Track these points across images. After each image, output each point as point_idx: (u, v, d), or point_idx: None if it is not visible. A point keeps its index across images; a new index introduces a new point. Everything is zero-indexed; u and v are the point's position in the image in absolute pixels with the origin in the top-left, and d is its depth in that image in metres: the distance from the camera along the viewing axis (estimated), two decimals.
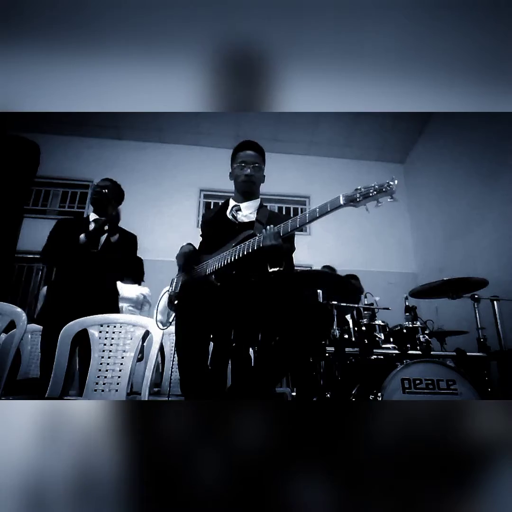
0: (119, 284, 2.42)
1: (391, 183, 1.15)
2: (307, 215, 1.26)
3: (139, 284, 3.38)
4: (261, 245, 1.31)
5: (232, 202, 1.67)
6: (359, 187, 1.20)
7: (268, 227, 1.34)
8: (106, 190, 2.26)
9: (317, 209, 1.24)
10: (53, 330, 1.79)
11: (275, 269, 1.34)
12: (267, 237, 1.30)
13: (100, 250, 2.17)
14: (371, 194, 1.17)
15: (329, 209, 1.22)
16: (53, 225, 2.27)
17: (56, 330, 1.72)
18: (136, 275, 2.30)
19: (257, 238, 1.34)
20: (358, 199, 1.18)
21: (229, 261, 1.39)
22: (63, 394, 1.63)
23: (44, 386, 1.63)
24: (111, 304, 2.19)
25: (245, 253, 1.36)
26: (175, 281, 1.62)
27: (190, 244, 1.62)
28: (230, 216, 1.62)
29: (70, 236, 2.16)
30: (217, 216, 1.68)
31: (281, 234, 1.31)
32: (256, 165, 1.61)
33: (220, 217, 1.66)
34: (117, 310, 2.29)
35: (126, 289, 3.06)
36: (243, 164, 1.60)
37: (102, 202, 2.27)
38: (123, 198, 2.39)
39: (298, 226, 1.29)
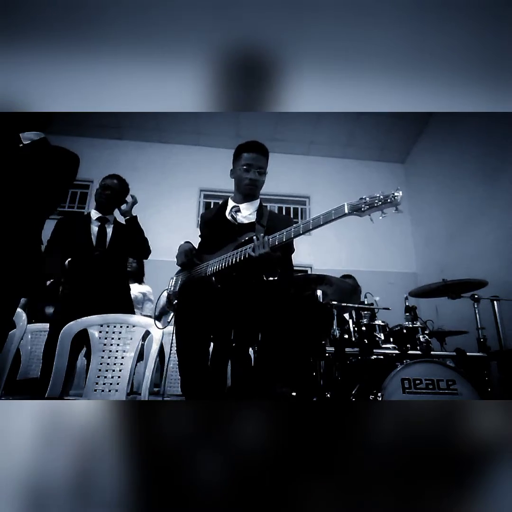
0: None
1: (396, 194, 1.15)
2: (311, 222, 1.27)
3: (140, 283, 3.38)
4: (252, 255, 1.32)
5: (231, 203, 1.66)
6: (364, 197, 1.20)
7: (255, 237, 1.35)
8: (111, 192, 2.25)
9: (322, 217, 1.24)
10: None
11: (270, 278, 1.36)
12: (257, 247, 1.31)
13: (108, 250, 2.17)
14: (376, 205, 1.17)
15: (333, 217, 1.22)
16: (53, 226, 2.26)
17: None
18: (144, 253, 2.35)
19: (247, 247, 1.36)
20: (363, 209, 1.18)
21: (229, 264, 1.40)
22: (63, 394, 1.63)
23: (44, 386, 1.63)
24: (125, 303, 2.19)
25: (242, 258, 1.37)
26: (173, 280, 1.62)
27: (188, 242, 1.62)
28: (229, 217, 1.62)
29: (75, 235, 2.16)
30: (216, 217, 1.67)
31: (277, 243, 1.31)
32: (261, 169, 1.59)
33: (219, 217, 1.65)
34: (131, 308, 2.29)
35: None
36: (247, 167, 1.58)
37: (108, 205, 2.28)
38: (127, 195, 2.37)
39: (301, 232, 1.29)
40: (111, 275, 2.14)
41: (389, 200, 1.15)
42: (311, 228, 1.26)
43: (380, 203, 1.16)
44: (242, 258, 1.36)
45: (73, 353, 1.84)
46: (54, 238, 2.21)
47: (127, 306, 2.21)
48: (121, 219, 2.35)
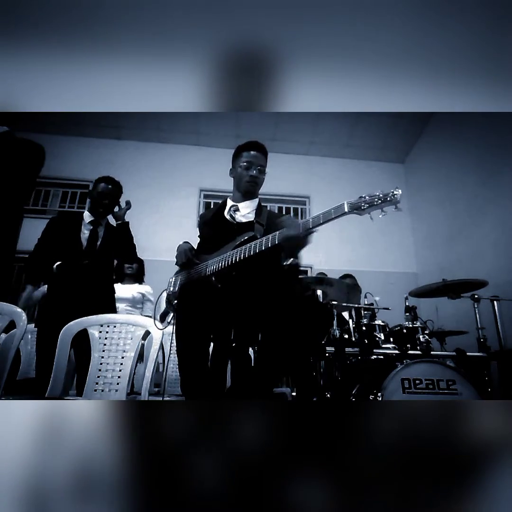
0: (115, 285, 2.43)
1: (396, 192, 1.15)
2: (311, 221, 1.26)
3: (140, 283, 3.38)
4: (285, 235, 1.27)
5: (229, 202, 1.66)
6: (363, 195, 1.20)
7: (286, 217, 1.31)
8: (108, 201, 2.25)
9: (321, 216, 1.24)
10: (49, 331, 1.79)
11: (289, 261, 1.33)
12: (292, 225, 1.27)
13: (97, 254, 2.17)
14: (375, 203, 1.17)
15: (333, 216, 1.22)
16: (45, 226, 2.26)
17: (52, 330, 1.72)
18: (130, 259, 2.36)
19: (277, 233, 1.31)
20: (362, 207, 1.18)
21: (229, 263, 1.39)
22: (63, 394, 1.63)
23: (42, 386, 1.63)
24: (108, 304, 2.19)
25: (241, 257, 1.35)
26: (173, 281, 1.61)
27: (187, 242, 1.62)
28: (228, 216, 1.62)
29: (65, 237, 2.16)
30: (215, 216, 1.67)
31: (311, 226, 1.26)
32: (262, 167, 1.60)
33: (218, 217, 1.65)
34: (114, 310, 2.29)
35: (121, 289, 3.05)
36: (248, 164, 1.59)
37: (105, 213, 2.28)
38: (120, 196, 2.37)
39: (311, 226, 1.26)
40: (99, 278, 2.15)
41: (388, 199, 1.16)
42: (311, 226, 1.26)
43: (379, 201, 1.17)
44: (241, 257, 1.36)
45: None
46: (44, 237, 2.21)
47: (110, 307, 2.20)
48: (112, 221, 2.35)
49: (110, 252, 2.24)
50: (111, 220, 2.34)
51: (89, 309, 1.82)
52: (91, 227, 2.22)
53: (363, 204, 1.18)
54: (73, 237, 2.17)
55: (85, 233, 2.20)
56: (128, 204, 2.32)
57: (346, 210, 1.20)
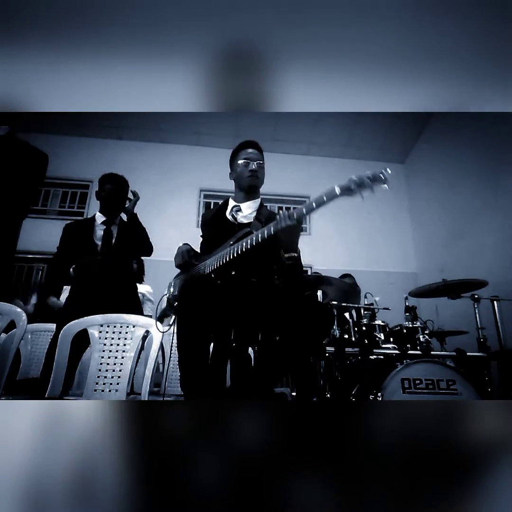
0: None
1: (385, 171, 1.17)
2: (304, 209, 1.27)
3: (140, 283, 3.38)
4: (278, 227, 1.28)
5: (232, 202, 1.66)
6: (353, 176, 1.20)
7: (281, 211, 1.31)
8: (119, 200, 2.25)
9: (314, 202, 1.24)
10: None
11: (290, 255, 1.33)
12: (283, 218, 1.28)
13: (114, 251, 2.18)
14: (365, 183, 1.18)
15: (325, 200, 1.22)
16: (61, 232, 2.27)
17: None
18: (147, 250, 2.36)
19: (272, 224, 1.31)
20: (352, 188, 1.19)
21: (227, 259, 1.38)
22: (63, 394, 1.63)
23: (45, 386, 1.63)
24: (132, 301, 2.20)
25: (238, 252, 1.35)
26: (173, 284, 1.61)
27: (186, 244, 1.62)
28: (229, 217, 1.61)
29: (79, 241, 2.18)
30: (216, 217, 1.67)
31: (296, 217, 1.28)
32: (261, 162, 1.61)
33: (219, 217, 1.65)
34: (139, 307, 2.29)
35: None
36: (246, 161, 1.59)
37: (116, 212, 2.28)
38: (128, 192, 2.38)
39: (305, 212, 1.28)
40: (118, 275, 2.16)
41: (378, 178, 1.17)
42: (304, 213, 1.27)
43: (369, 180, 1.17)
44: (238, 252, 1.35)
45: (78, 353, 1.84)
46: (62, 245, 2.23)
47: (135, 305, 2.21)
48: (123, 217, 2.36)
49: (127, 247, 2.24)
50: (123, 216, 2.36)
51: (114, 307, 1.82)
52: (105, 227, 2.23)
53: (352, 185, 1.19)
54: (87, 239, 2.18)
55: (99, 233, 2.21)
56: (136, 195, 2.32)
57: (337, 192, 1.20)
